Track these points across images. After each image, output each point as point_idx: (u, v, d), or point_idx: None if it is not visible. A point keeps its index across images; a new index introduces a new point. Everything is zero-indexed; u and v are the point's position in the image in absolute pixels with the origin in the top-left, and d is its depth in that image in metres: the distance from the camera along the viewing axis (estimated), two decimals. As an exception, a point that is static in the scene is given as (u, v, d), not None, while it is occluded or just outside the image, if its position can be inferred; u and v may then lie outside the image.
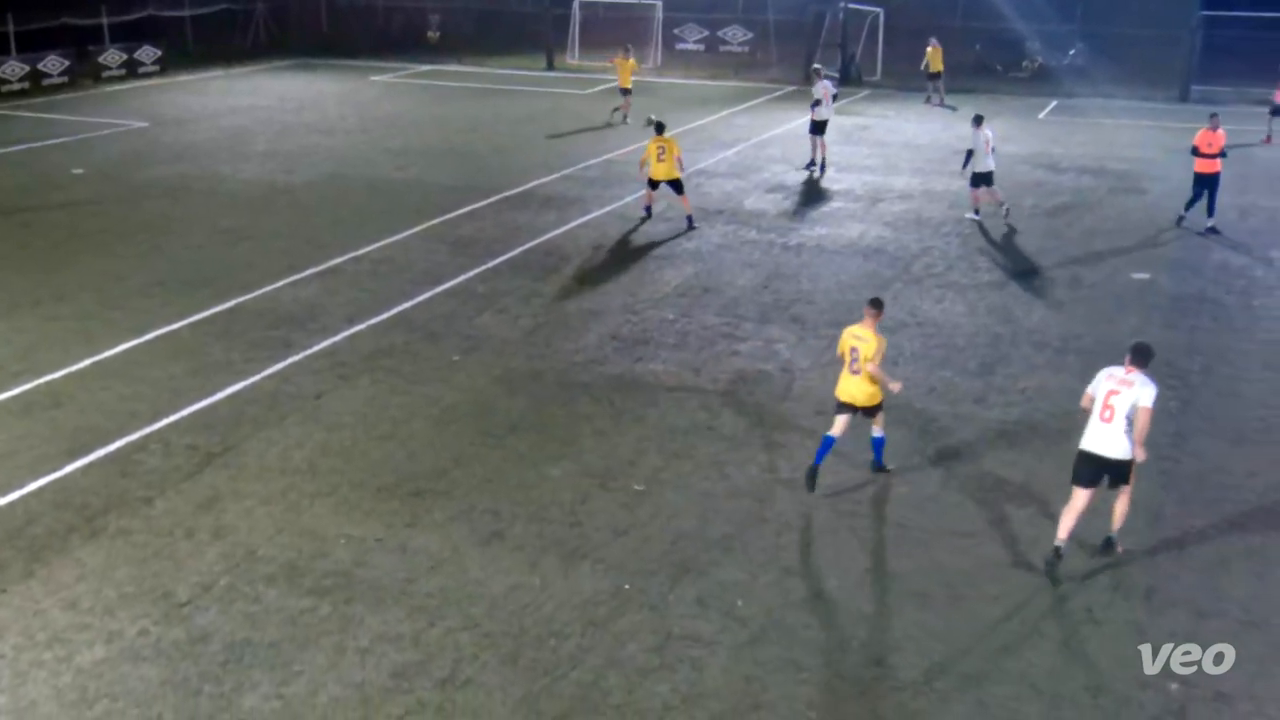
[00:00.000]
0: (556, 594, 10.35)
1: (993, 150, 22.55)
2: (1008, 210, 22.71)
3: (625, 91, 33.71)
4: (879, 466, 12.59)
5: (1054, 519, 11.62)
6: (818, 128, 27.42)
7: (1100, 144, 31.49)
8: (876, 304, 12.13)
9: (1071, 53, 43.42)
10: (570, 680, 9.21)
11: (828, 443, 12.07)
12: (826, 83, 28.14)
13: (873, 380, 11.77)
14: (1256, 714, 8.86)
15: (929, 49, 37.15)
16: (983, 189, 22.69)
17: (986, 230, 22.36)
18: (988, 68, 43.36)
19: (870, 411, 12.10)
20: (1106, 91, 39.27)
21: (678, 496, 12.10)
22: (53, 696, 9.00)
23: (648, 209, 23.20)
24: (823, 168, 27.47)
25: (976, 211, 23.00)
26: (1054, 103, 38.51)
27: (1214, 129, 21.74)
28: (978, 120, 22.63)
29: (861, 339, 11.80)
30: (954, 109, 36.51)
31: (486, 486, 12.28)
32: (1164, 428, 13.73)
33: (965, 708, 8.91)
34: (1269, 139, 31.93)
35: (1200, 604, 10.24)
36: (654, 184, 22.65)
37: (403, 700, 8.98)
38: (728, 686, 9.14)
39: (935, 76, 37.38)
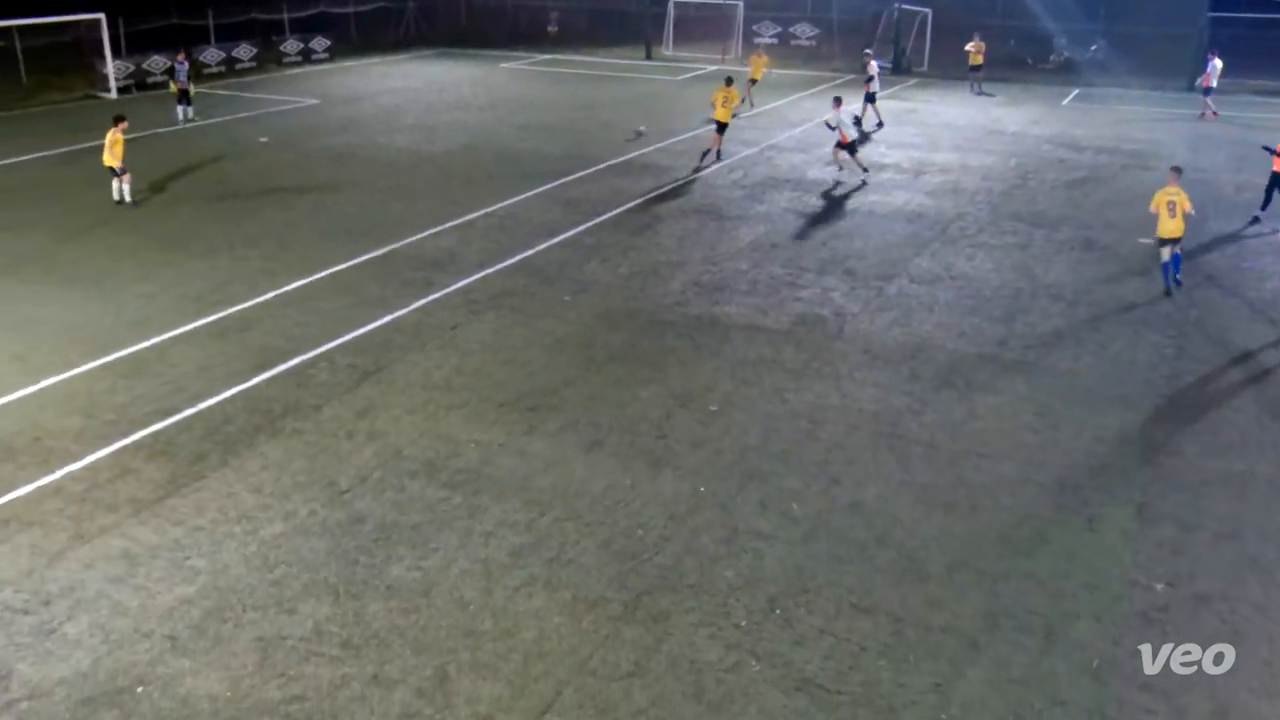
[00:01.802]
0: (644, 493, 10.43)
1: (856, 123, 24.16)
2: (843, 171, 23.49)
3: (753, 82, 33.12)
4: (1179, 282, 16.05)
5: (1064, 446, 11.46)
6: (871, 97, 29.33)
7: (1116, 127, 30.45)
8: (1178, 170, 16.14)
9: (1093, 48, 41.91)
10: (653, 563, 9.30)
11: (1165, 266, 15.95)
12: (874, 63, 30.05)
13: (1185, 219, 15.54)
14: (1230, 613, 8.69)
15: (970, 46, 36.00)
16: (844, 154, 23.37)
17: (1014, 199, 21.79)
18: (1020, 60, 42.01)
19: (1178, 241, 15.69)
20: (1123, 82, 38.04)
21: (745, 416, 12.08)
22: (241, 561, 9.30)
23: (717, 153, 24.57)
24: (879, 125, 29.30)
25: (840, 168, 23.77)
26: (1076, 91, 37.26)
27: None
28: (837, 100, 23.22)
29: (1176, 194, 15.47)
30: (991, 95, 35.50)
31: (589, 404, 12.37)
32: (1160, 370, 13.42)
33: (981, 597, 8.86)
34: (1207, 115, 32.18)
35: (1185, 519, 10.05)
36: (721, 128, 24.28)
37: (518, 574, 9.14)
38: (782, 573, 9.17)
39: (976, 69, 36.21)
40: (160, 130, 28.13)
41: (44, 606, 8.67)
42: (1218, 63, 32.14)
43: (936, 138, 28.59)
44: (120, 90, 33.52)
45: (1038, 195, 22.25)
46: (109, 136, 19.95)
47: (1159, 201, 15.74)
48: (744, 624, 8.52)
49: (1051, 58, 42.07)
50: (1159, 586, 9.03)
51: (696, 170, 23.78)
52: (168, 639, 8.30)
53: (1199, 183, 22.50)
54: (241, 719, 7.49)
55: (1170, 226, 15.66)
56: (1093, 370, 13.43)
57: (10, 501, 10.16)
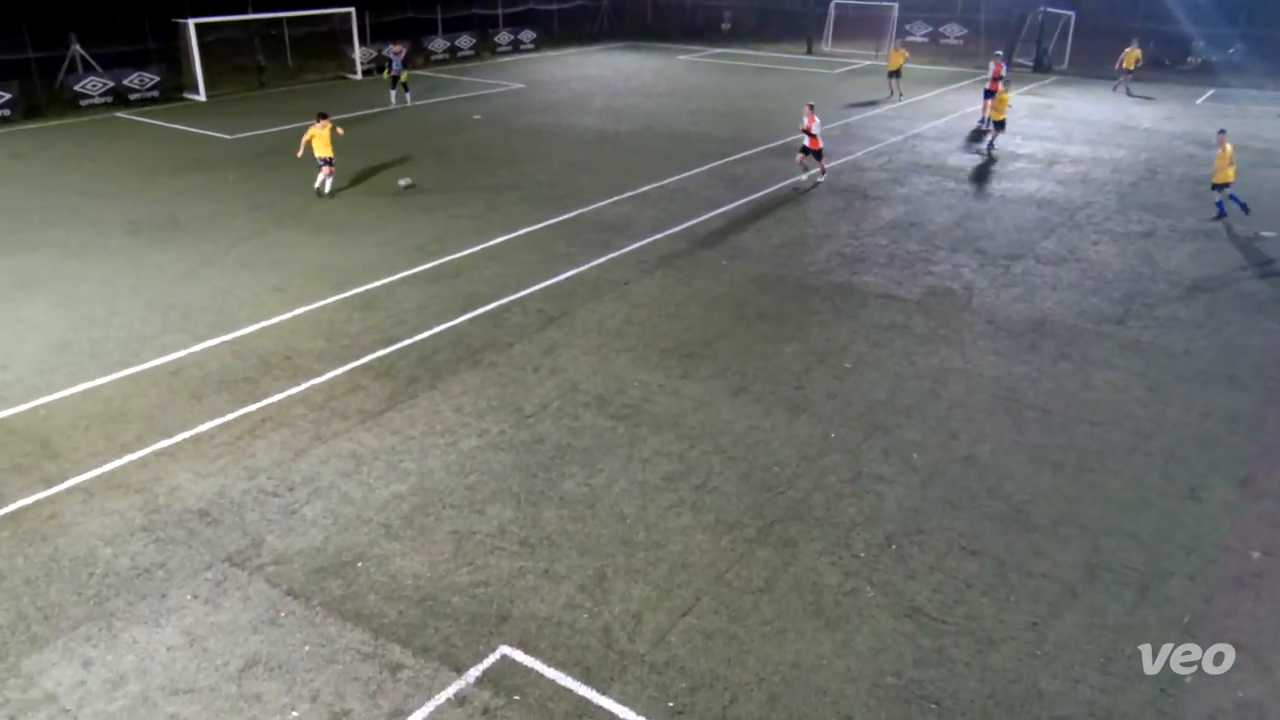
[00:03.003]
0: (781, 435, 10.37)
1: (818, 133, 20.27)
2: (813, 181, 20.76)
3: (893, 74, 31.99)
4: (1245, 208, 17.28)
5: (1172, 420, 10.78)
6: (988, 94, 26.17)
7: (1246, 127, 27.95)
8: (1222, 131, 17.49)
9: (1230, 51, 38.39)
10: (786, 496, 9.27)
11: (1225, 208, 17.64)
12: (991, 65, 26.73)
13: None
14: (1324, 584, 8.05)
15: (1129, 50, 33.09)
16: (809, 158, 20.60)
17: (1141, 191, 20.36)
18: (1158, 61, 38.89)
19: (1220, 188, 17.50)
20: (1258, 84, 34.68)
21: (875, 374, 11.82)
22: (443, 468, 9.73)
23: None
24: (983, 122, 26.09)
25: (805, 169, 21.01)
26: (1211, 91, 34.29)
27: None
28: (810, 108, 20.11)
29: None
30: (1134, 96, 32.77)
31: (738, 355, 12.33)
32: (1272, 355, 12.43)
33: (1081, 550, 8.50)
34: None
35: (1287, 494, 9.34)
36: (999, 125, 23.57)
37: (669, 496, 9.26)
38: (899, 514, 9.00)
39: (1128, 72, 33.35)
40: (390, 108, 29.16)
41: (289, 491, 9.29)
42: None
43: (1071, 131, 26.87)
44: (364, 73, 34.85)
45: (1165, 188, 20.72)
46: (317, 130, 18.54)
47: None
48: (862, 555, 8.42)
49: (1189, 59, 38.77)
50: (1255, 555, 8.46)
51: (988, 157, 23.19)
52: (383, 526, 8.79)
53: (1328, 181, 20.58)
54: (437, 596, 7.89)
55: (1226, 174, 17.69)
56: (1206, 352, 12.54)
57: (266, 406, 10.89)
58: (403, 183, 19.54)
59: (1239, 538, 8.69)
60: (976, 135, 25.23)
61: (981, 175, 21.65)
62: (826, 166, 20.88)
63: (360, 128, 25.79)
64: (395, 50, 29.89)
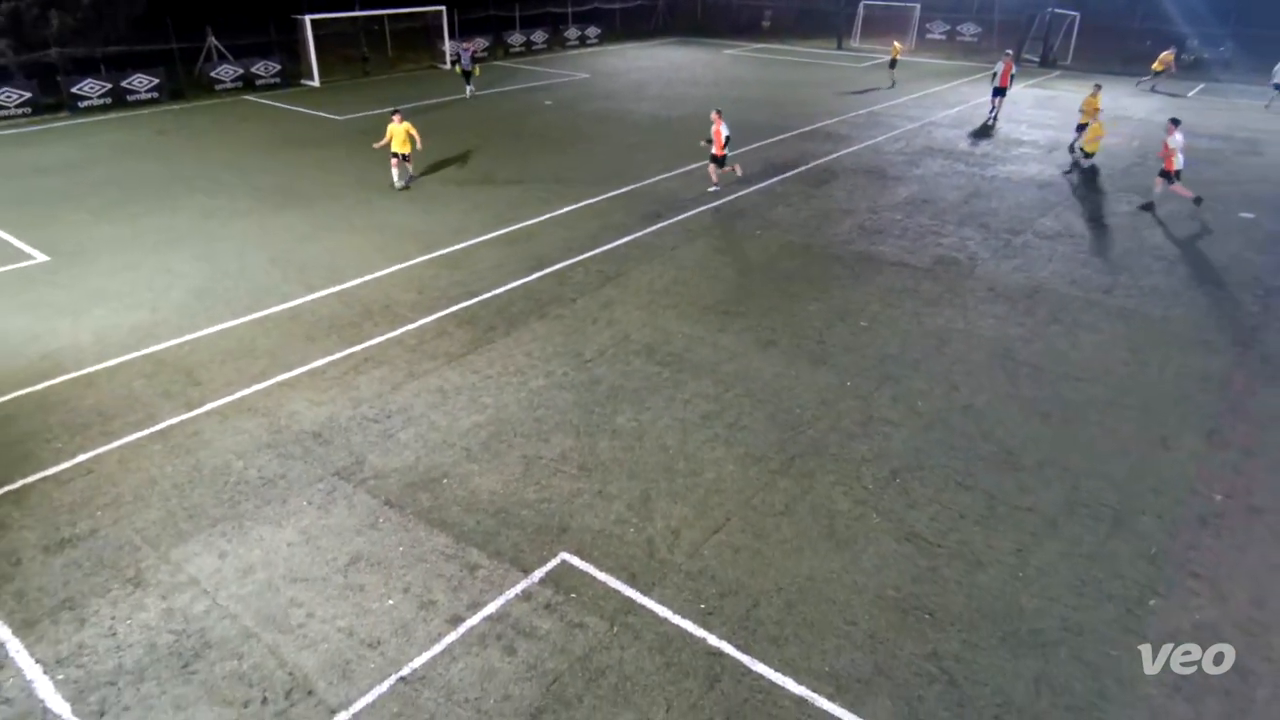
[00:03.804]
0: (803, 382, 10.30)
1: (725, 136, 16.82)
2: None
3: (894, 64, 31.21)
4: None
5: (1150, 379, 10.48)
6: (997, 92, 24.77)
7: (1233, 119, 26.68)
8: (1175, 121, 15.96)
9: (1221, 49, 36.45)
10: (806, 434, 9.23)
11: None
12: (1000, 64, 24.71)
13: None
14: (1278, 524, 7.85)
15: (1165, 54, 31.42)
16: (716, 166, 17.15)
17: (1132, 174, 19.55)
18: (1153, 58, 37.05)
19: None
20: (1246, 79, 32.98)
21: (888, 331, 11.64)
22: (514, 403, 9.83)
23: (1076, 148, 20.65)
24: (994, 119, 24.72)
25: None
26: (1201, 85, 32.68)
27: None
28: (718, 112, 16.84)
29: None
30: (1159, 93, 30.92)
31: (768, 312, 12.21)
32: (1244, 324, 11.99)
33: (1062, 489, 8.36)
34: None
35: (1249, 446, 9.08)
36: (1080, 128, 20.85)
37: (706, 432, 9.27)
38: (904, 452, 8.92)
39: (1158, 74, 31.56)
40: (464, 98, 29.01)
41: (386, 419, 9.47)
42: None
43: (1071, 121, 25.79)
44: (451, 64, 34.65)
45: (1153, 173, 19.74)
46: (396, 127, 17.05)
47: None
48: (870, 487, 8.38)
49: (1183, 56, 36.89)
50: (1218, 497, 8.26)
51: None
52: (464, 450, 8.93)
53: (1305, 168, 19.63)
54: (508, 509, 8.03)
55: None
56: (1184, 319, 12.14)
57: (368, 347, 11.07)
58: (399, 184, 17.45)
59: (1204, 482, 8.48)
60: (984, 130, 24.17)
61: (988, 158, 20.97)
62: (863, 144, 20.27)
63: (445, 112, 25.74)
64: (465, 47, 29.30)
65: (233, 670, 6.36)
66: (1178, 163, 16.31)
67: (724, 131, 16.87)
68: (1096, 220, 16.37)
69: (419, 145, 17.63)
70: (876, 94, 29.56)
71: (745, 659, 6.46)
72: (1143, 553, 7.54)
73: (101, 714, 6.04)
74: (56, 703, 6.12)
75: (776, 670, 6.37)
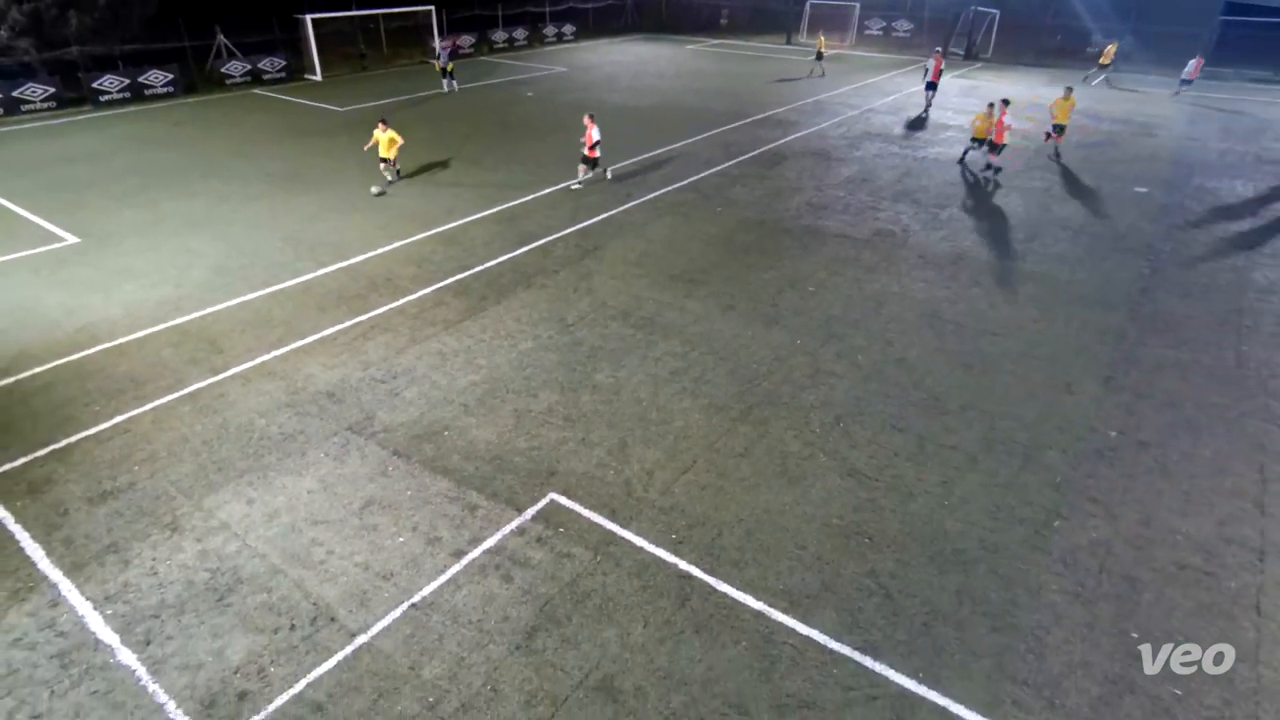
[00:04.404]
0: (759, 340, 10.37)
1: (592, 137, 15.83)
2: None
3: (820, 56, 31.20)
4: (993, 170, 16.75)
5: (1056, 333, 10.67)
6: (929, 86, 24.51)
7: (1131, 105, 26.83)
8: (1006, 102, 16.76)
9: (1120, 41, 36.45)
10: (762, 386, 9.32)
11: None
12: (931, 61, 24.39)
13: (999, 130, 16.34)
14: (1163, 456, 8.11)
15: (1109, 47, 31.19)
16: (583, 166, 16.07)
17: (1043, 155, 19.65)
18: (1063, 50, 37.00)
19: (982, 143, 17.22)
20: (1143, 70, 33.11)
21: (832, 296, 11.72)
22: (505, 363, 9.80)
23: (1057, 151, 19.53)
24: (927, 111, 24.29)
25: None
26: (1104, 76, 32.81)
27: None
28: (590, 117, 15.87)
29: (984, 117, 16.91)
30: (1104, 84, 31.28)
31: (728, 281, 12.23)
32: (1137, 285, 12.23)
33: (981, 429, 8.54)
34: (1181, 93, 27.02)
35: (1140, 390, 9.31)
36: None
37: (675, 385, 9.33)
38: (847, 400, 9.05)
39: (1104, 67, 31.20)
40: (448, 92, 28.37)
41: (392, 379, 9.42)
42: (1199, 61, 27.92)
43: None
44: (435, 60, 33.78)
45: (1062, 153, 20.02)
46: (382, 136, 15.89)
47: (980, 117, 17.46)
48: (818, 431, 8.51)
49: (1088, 49, 36.90)
50: (1112, 434, 8.50)
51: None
52: (462, 405, 8.93)
53: (1192, 148, 19.88)
54: (503, 456, 8.06)
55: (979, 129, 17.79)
56: (1086, 281, 12.34)
57: (374, 316, 10.95)
58: (375, 190, 15.77)
59: (1101, 421, 8.72)
60: (918, 121, 23.97)
61: (919, 141, 20.97)
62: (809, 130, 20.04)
63: (436, 103, 25.16)
64: (443, 45, 28.30)
65: (263, 602, 6.40)
66: (1007, 137, 17.29)
67: (595, 135, 15.93)
68: (1013, 195, 16.50)
69: (400, 144, 16.30)
70: (821, 84, 29.32)
71: (711, 580, 6.61)
72: (1049, 482, 7.77)
73: (147, 643, 6.06)
74: (107, 634, 6.13)
75: (738, 589, 6.52)
